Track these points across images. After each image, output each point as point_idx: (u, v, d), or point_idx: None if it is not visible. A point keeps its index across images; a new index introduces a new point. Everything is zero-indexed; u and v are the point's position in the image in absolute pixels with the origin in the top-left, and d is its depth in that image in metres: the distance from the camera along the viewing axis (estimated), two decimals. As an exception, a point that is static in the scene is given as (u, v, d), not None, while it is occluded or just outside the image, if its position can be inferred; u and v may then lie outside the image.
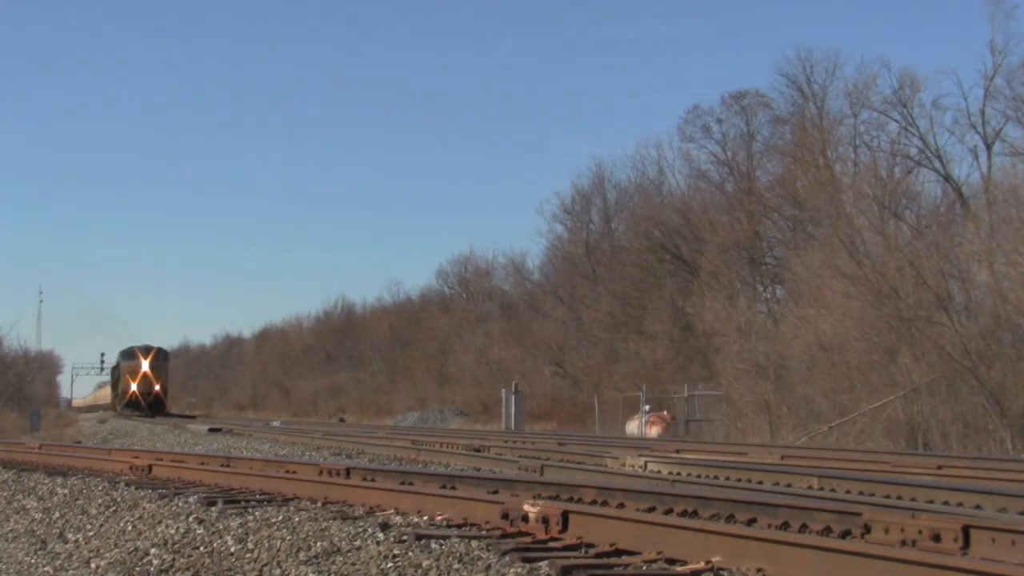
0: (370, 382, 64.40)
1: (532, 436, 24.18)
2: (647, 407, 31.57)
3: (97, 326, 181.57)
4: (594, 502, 7.72)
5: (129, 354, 62.19)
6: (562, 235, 52.90)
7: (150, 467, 12.03)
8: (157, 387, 60.05)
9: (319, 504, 8.24)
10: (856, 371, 24.29)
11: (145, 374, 59.89)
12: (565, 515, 6.28)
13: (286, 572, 6.13)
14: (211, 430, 29.81)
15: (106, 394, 79.97)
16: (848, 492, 9.49)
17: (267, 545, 6.69)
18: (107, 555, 7.59)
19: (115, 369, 69.56)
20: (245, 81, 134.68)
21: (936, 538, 5.52)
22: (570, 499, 7.79)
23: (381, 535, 6.39)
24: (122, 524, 8.44)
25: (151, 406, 58.15)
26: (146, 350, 61.49)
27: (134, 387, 59.57)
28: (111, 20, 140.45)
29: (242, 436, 26.82)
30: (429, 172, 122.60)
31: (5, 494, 11.72)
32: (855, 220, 27.47)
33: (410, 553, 5.86)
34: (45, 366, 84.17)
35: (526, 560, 5.42)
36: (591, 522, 6.18)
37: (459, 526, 6.88)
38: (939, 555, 4.98)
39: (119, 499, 9.66)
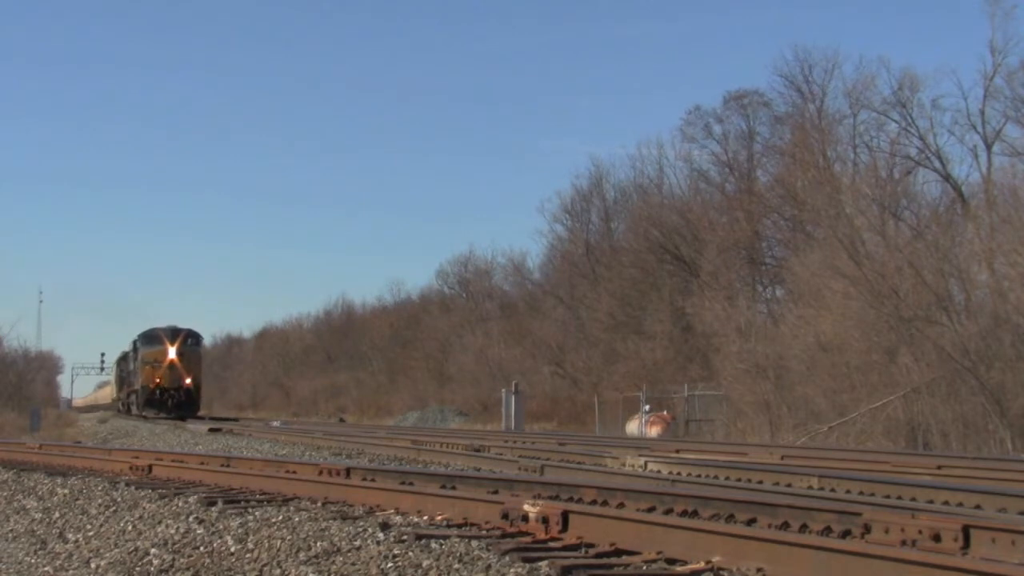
0: (370, 382, 64.39)
1: (532, 436, 24.16)
2: (647, 407, 31.59)
3: (97, 325, 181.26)
4: (594, 502, 7.72)
5: (150, 338, 48.02)
6: (562, 235, 53.00)
7: (150, 467, 12.03)
8: (188, 380, 46.84)
9: (319, 504, 8.24)
10: (856, 371, 24.30)
11: (172, 363, 46.57)
12: (565, 515, 6.28)
13: (286, 572, 6.13)
14: (211, 430, 29.79)
15: (107, 394, 78.11)
16: (848, 492, 9.49)
17: (267, 545, 6.69)
18: (107, 555, 7.59)
19: (124, 360, 57.25)
20: (245, 81, 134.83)
21: (936, 538, 5.52)
22: (570, 499, 7.79)
23: (381, 535, 6.39)
24: (122, 524, 8.44)
25: (180, 405, 45.92)
26: (173, 333, 47.56)
27: (157, 380, 46.50)
28: (111, 20, 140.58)
29: (242, 436, 26.82)
30: (429, 172, 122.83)
31: (5, 494, 11.73)
32: (855, 220, 27.46)
33: (410, 553, 5.86)
34: (45, 366, 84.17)
35: (526, 560, 5.42)
36: (591, 522, 6.18)
37: (459, 526, 6.88)
38: (939, 555, 4.98)
39: (119, 499, 9.66)
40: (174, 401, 46.18)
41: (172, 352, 46.81)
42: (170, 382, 46.42)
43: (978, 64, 38.56)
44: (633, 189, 49.57)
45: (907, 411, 22.10)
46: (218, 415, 53.34)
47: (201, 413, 47.95)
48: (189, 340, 48.40)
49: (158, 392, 46.46)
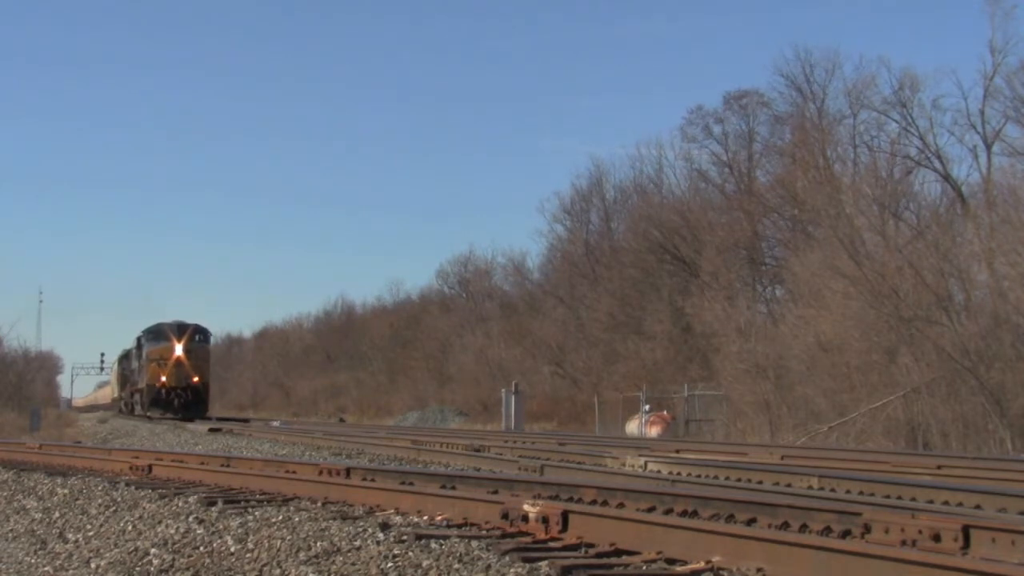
0: (370, 382, 64.38)
1: (532, 436, 24.16)
2: (647, 407, 31.58)
3: (97, 325, 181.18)
4: (594, 502, 7.71)
5: (156, 334, 45.73)
6: (562, 235, 53.01)
7: (150, 467, 12.03)
8: (196, 378, 44.68)
9: (319, 504, 8.24)
10: (856, 371, 24.30)
11: (179, 360, 44.34)
12: (565, 515, 6.28)
13: (286, 572, 6.13)
14: (211, 430, 29.78)
15: (107, 394, 77.95)
16: (848, 492, 9.49)
17: (267, 545, 6.69)
18: (107, 555, 7.59)
19: (126, 358, 55.58)
20: (245, 81, 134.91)
21: (936, 538, 5.52)
22: (570, 499, 7.79)
23: (381, 535, 6.40)
24: (122, 524, 8.44)
25: (187, 405, 43.75)
26: (180, 328, 45.26)
27: (164, 379, 44.30)
28: (111, 20, 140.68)
29: (242, 436, 26.81)
30: (429, 172, 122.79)
31: (5, 494, 11.73)
32: (855, 220, 27.47)
33: (410, 553, 5.86)
34: (45, 366, 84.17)
35: (526, 560, 5.42)
36: (591, 522, 6.19)
37: (459, 526, 6.88)
38: (939, 555, 4.98)
39: (119, 499, 9.66)
40: (181, 401, 44.07)
41: (179, 349, 44.56)
42: (177, 381, 44.31)
43: (978, 64, 38.63)
44: (633, 189, 49.63)
45: (907, 411, 22.10)
46: (222, 415, 51.11)
47: (208, 414, 46.11)
48: (197, 336, 45.97)
49: (164, 391, 44.41)
